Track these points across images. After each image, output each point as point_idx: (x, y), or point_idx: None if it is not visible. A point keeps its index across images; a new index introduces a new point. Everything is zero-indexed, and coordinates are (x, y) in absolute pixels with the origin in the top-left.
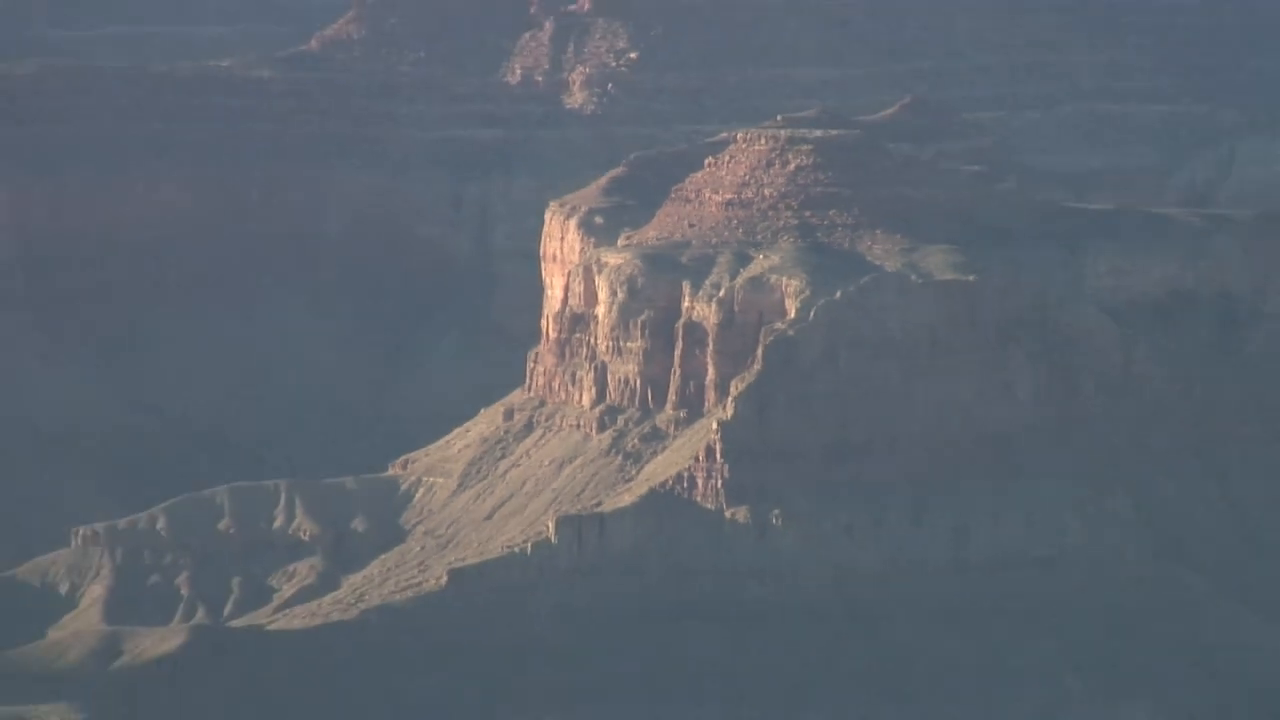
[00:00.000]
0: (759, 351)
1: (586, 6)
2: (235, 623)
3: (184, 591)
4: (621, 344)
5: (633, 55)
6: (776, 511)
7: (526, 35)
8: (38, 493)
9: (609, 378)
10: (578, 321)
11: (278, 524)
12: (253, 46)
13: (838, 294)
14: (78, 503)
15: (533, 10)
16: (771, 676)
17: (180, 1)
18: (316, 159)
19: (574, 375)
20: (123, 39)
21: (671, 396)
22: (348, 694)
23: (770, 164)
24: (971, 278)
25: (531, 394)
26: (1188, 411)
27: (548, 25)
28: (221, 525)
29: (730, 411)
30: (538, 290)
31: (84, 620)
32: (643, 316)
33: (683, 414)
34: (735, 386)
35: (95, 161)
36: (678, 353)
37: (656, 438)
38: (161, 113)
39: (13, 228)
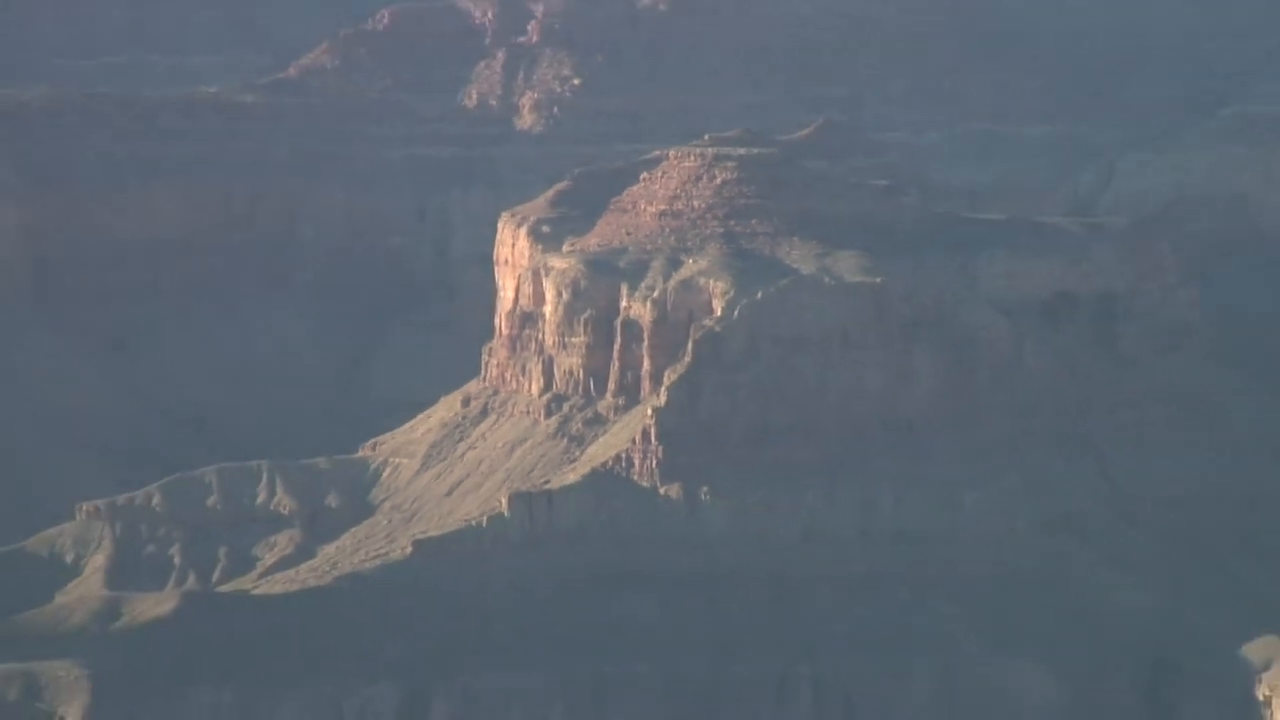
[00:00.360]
0: (689, 345)
1: (535, 39)
2: (223, 588)
3: (177, 561)
4: (566, 339)
5: (576, 82)
6: (705, 489)
7: (481, 64)
8: (46, 475)
9: (555, 369)
10: (527, 319)
11: (260, 500)
12: (237, 74)
13: (759, 294)
14: (81, 483)
15: (487, 41)
16: (700, 636)
17: (172, 33)
18: (295, 174)
19: (524, 367)
20: (122, 68)
21: (611, 386)
22: (323, 652)
23: (699, 179)
24: (878, 280)
25: (486, 384)
26: (1071, 399)
27: (500, 55)
28: (210, 501)
29: (664, 399)
30: (492, 291)
31: (87, 587)
32: (585, 315)
33: (621, 401)
34: (668, 377)
35: (98, 177)
36: (616, 347)
37: (598, 423)
38: (157, 133)
39: (24, 236)
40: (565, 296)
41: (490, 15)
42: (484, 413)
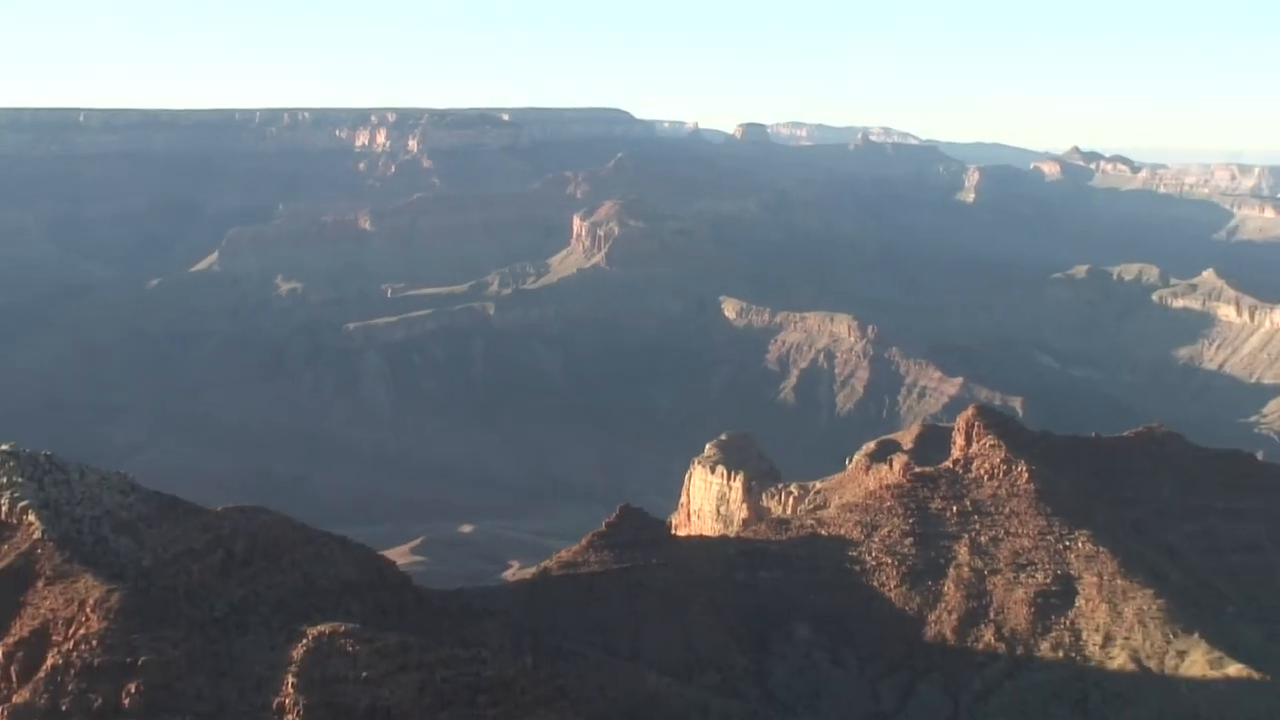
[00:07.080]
0: (608, 247)
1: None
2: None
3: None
4: (589, 245)
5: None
6: (617, 268)
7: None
8: None
9: (590, 249)
10: (578, 238)
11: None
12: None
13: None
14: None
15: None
16: (622, 300)
17: None
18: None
19: (585, 248)
20: None
21: (598, 247)
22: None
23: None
24: None
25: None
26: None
27: None
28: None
29: (606, 252)
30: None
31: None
32: (597, 232)
33: (601, 253)
34: (607, 248)
35: None
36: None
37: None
38: None
39: None
40: (585, 239)
41: None
42: (569, 255)
